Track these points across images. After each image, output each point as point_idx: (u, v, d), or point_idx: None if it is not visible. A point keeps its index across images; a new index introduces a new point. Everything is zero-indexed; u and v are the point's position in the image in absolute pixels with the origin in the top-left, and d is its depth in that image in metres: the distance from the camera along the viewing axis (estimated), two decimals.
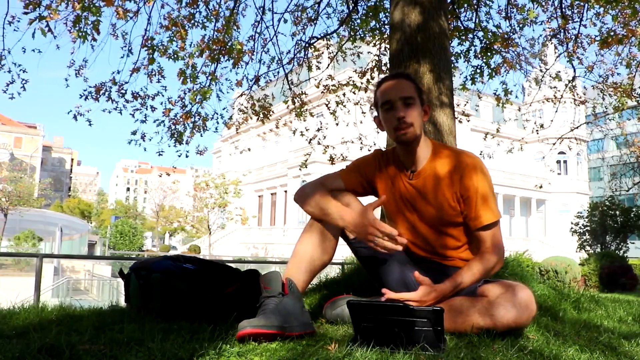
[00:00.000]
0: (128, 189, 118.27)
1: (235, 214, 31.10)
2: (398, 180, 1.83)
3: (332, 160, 7.16)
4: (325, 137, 7.60)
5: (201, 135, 6.41)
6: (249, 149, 9.20)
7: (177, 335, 1.47)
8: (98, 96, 5.86)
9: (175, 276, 1.81)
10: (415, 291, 1.63)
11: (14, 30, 4.94)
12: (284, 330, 1.48)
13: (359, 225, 1.65)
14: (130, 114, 6.11)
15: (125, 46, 5.72)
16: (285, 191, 30.03)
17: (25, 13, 4.52)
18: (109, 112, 5.97)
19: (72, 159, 76.96)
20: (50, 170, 67.28)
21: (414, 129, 1.70)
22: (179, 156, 6.42)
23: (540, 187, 10.47)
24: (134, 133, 6.21)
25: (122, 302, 2.09)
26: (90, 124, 6.10)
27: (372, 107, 2.25)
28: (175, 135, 6.30)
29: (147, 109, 6.15)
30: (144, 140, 6.26)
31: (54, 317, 1.83)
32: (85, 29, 4.98)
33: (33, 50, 5.30)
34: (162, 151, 6.37)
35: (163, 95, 6.12)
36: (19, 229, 24.82)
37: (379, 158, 1.89)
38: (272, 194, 32.86)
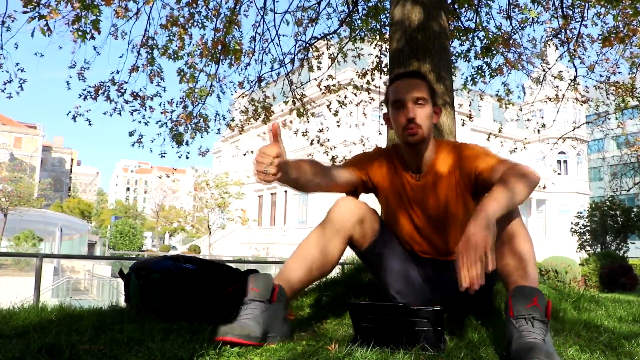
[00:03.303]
0: (128, 189, 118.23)
1: (236, 215, 31.07)
2: (402, 179, 1.78)
3: (333, 161, 7.16)
4: (328, 139, 7.58)
5: (202, 137, 6.39)
6: (244, 154, 9.18)
7: (177, 335, 1.47)
8: (97, 96, 5.84)
9: (175, 276, 1.81)
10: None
11: (3, 26, 4.90)
12: (264, 341, 1.46)
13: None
14: (129, 112, 6.09)
15: (133, 48, 5.69)
16: (285, 191, 29.99)
17: (25, 12, 4.49)
18: (110, 114, 5.93)
19: (72, 159, 76.96)
20: (50, 170, 67.27)
21: (423, 131, 1.66)
22: (179, 157, 6.39)
23: (544, 187, 10.45)
24: (131, 134, 6.18)
25: (122, 302, 2.09)
26: (90, 124, 6.08)
27: (382, 104, 2.19)
28: (177, 137, 6.28)
29: (145, 110, 6.13)
30: (140, 142, 6.23)
31: (54, 317, 1.83)
32: (84, 28, 4.95)
33: (35, 54, 5.27)
34: (164, 152, 6.34)
35: (161, 97, 6.10)
36: (19, 229, 24.79)
37: (380, 154, 1.86)
38: (272, 194, 32.84)
